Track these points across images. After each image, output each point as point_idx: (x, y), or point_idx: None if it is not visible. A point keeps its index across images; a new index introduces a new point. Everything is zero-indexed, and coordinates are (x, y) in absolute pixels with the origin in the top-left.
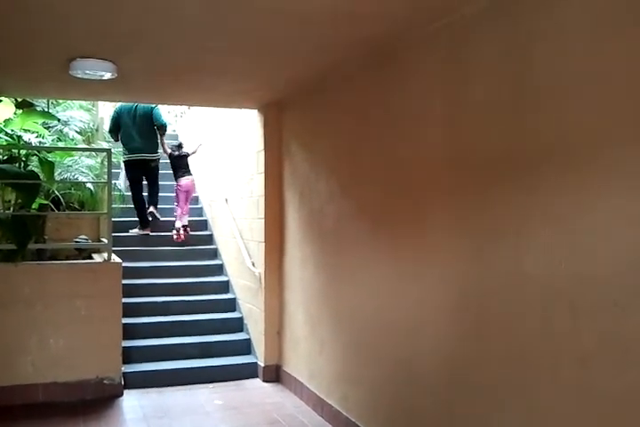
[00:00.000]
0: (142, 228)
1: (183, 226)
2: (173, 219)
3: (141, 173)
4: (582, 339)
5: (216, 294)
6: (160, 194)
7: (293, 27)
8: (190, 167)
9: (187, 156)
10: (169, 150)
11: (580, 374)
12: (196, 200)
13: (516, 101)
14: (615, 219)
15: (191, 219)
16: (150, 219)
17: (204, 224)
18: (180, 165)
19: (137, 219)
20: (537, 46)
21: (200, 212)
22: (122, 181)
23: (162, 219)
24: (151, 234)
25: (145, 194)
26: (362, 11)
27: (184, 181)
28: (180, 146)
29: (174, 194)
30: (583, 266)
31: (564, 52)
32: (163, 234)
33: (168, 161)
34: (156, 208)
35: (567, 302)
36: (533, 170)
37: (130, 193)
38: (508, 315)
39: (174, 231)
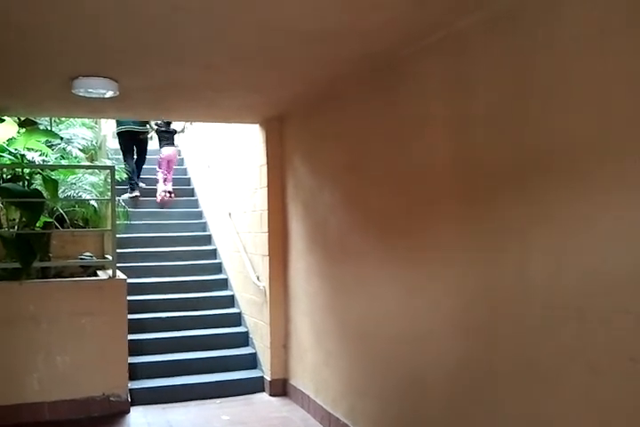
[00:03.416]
0: (131, 191)
1: (168, 191)
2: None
3: (132, 143)
4: (590, 347)
5: (221, 308)
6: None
7: (293, 43)
8: (174, 141)
9: (173, 132)
10: (155, 126)
11: (589, 382)
12: (200, 215)
13: (519, 110)
14: (622, 225)
15: (195, 234)
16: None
17: (207, 239)
18: (164, 137)
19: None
20: (536, 56)
21: (204, 226)
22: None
23: (145, 187)
24: (141, 198)
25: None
26: (360, 28)
27: (165, 151)
28: (168, 123)
29: (158, 162)
30: (591, 274)
31: (563, 62)
32: (169, 249)
33: None
34: (138, 178)
35: (575, 310)
36: (538, 178)
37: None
38: (515, 324)
39: (158, 196)
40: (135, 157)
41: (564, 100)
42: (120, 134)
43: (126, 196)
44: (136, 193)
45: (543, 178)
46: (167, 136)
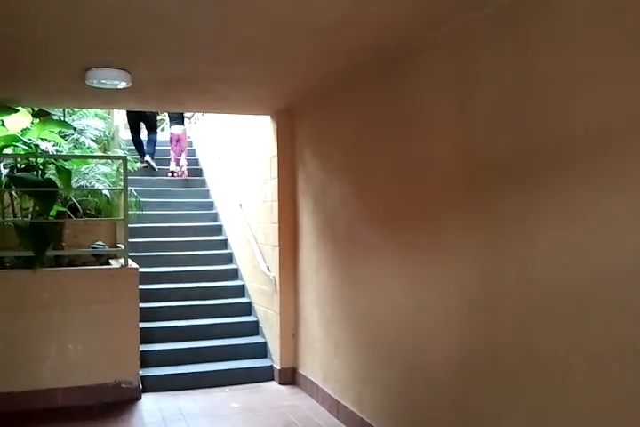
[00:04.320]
0: (142, 161)
1: (180, 166)
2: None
3: (139, 119)
4: (592, 339)
5: (232, 298)
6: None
7: (302, 36)
8: (183, 120)
9: (181, 112)
10: None
11: (590, 374)
12: (211, 205)
13: (524, 102)
14: (626, 216)
15: (206, 224)
16: (146, 166)
17: (218, 229)
18: (173, 117)
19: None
20: (543, 49)
21: (215, 217)
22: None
23: (157, 168)
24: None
25: (144, 139)
26: (369, 19)
27: (174, 129)
28: None
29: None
30: (594, 265)
31: (569, 54)
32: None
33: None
34: (152, 158)
35: (577, 301)
36: (543, 169)
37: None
38: (519, 316)
39: (169, 174)
40: (146, 133)
41: (568, 91)
42: (128, 112)
43: (138, 164)
44: (145, 164)
45: (546, 169)
46: (175, 116)
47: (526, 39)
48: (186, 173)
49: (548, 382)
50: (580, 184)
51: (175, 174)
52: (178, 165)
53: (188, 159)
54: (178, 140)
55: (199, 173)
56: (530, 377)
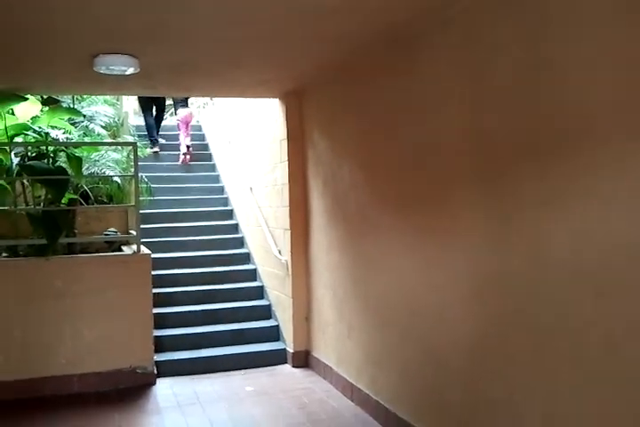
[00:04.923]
0: (152, 146)
1: (187, 146)
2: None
3: (151, 100)
4: (608, 323)
5: (244, 282)
6: None
7: (309, 17)
8: (188, 102)
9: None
10: None
11: (605, 358)
12: (221, 190)
13: (540, 80)
14: (637, 201)
15: (217, 209)
16: (157, 151)
17: (229, 213)
18: (178, 100)
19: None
20: (550, 29)
21: (225, 201)
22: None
23: (165, 142)
24: (160, 152)
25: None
26: (378, 1)
27: (181, 112)
28: None
29: (177, 124)
30: (608, 248)
31: (580, 35)
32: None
33: None
34: (158, 134)
35: (592, 282)
36: (558, 149)
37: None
38: (532, 299)
39: (181, 157)
40: (154, 113)
41: (578, 73)
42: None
43: (148, 150)
44: (156, 148)
45: (562, 148)
46: (181, 98)
47: (536, 18)
48: (191, 152)
49: (560, 365)
50: (594, 165)
51: (187, 156)
52: (188, 148)
53: (197, 144)
54: (186, 123)
55: (209, 157)
56: (543, 360)
